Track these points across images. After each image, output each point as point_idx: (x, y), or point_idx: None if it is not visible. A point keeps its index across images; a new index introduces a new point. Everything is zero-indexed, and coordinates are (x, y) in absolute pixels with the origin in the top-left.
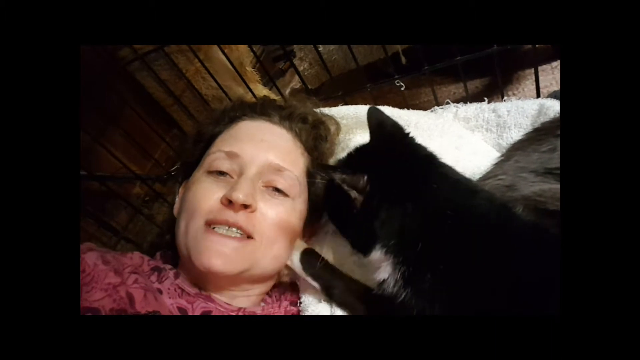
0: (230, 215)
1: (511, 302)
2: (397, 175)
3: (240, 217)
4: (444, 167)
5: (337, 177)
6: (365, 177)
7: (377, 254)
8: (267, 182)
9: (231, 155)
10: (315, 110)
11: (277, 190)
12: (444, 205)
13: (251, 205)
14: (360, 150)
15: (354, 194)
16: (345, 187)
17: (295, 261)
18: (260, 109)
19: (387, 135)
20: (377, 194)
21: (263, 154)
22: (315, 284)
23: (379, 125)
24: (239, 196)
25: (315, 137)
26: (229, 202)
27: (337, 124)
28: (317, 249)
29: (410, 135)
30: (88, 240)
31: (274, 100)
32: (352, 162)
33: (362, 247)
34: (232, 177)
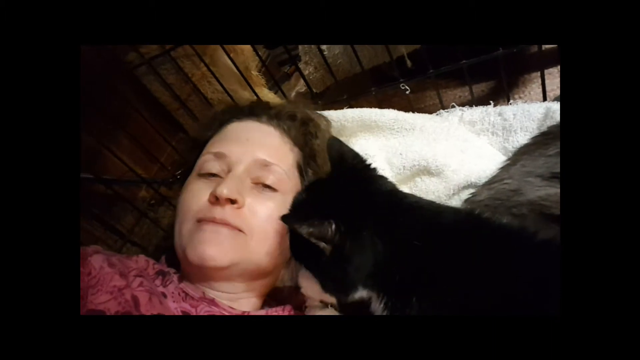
0: (217, 212)
1: (496, 300)
2: (364, 216)
3: (227, 213)
4: (407, 197)
5: (304, 231)
6: (333, 226)
7: (358, 294)
8: (256, 178)
9: (219, 156)
10: (304, 109)
11: (266, 186)
12: (413, 234)
13: (237, 201)
14: (322, 187)
15: (322, 245)
16: (314, 240)
17: (305, 283)
18: (249, 110)
19: (348, 169)
20: (346, 241)
21: (249, 151)
22: (332, 299)
23: (340, 159)
24: (224, 191)
25: (304, 134)
26: (216, 199)
27: (327, 121)
28: None
29: (372, 166)
30: (94, 243)
31: (263, 102)
32: (315, 203)
33: (340, 291)
34: (221, 177)
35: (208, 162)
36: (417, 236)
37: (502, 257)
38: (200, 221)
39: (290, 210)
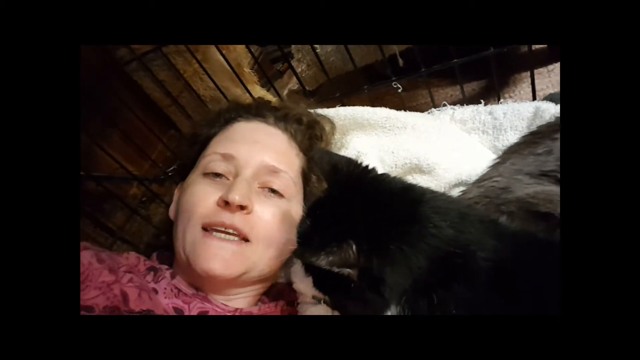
0: (226, 217)
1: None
2: (387, 226)
3: (236, 219)
4: (426, 194)
5: (324, 262)
6: (354, 247)
7: (390, 312)
8: (263, 183)
9: (226, 157)
10: (309, 110)
11: (272, 191)
12: (447, 244)
13: (247, 206)
14: (325, 206)
15: (346, 271)
16: (336, 269)
17: (297, 279)
18: (255, 110)
19: (346, 178)
20: (373, 258)
21: (258, 155)
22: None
23: (334, 169)
24: (235, 197)
25: (310, 137)
26: (225, 204)
27: (332, 123)
28: None
29: (371, 167)
30: (84, 240)
31: (269, 101)
32: (323, 226)
33: (372, 313)
34: (227, 179)
35: (214, 162)
36: (452, 245)
37: (531, 266)
38: (206, 228)
39: (298, 243)
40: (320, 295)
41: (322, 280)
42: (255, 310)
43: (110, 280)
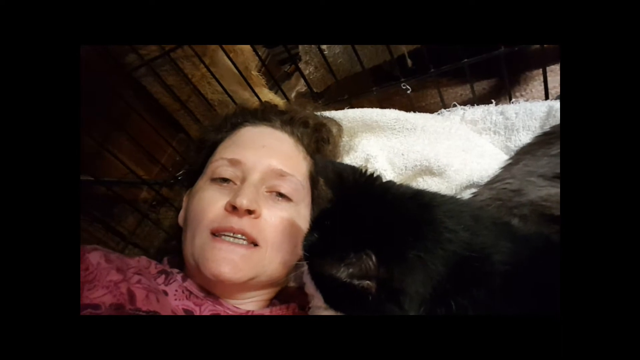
0: (235, 221)
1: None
2: (402, 233)
3: (245, 223)
4: (436, 198)
5: (344, 274)
6: (374, 257)
7: None
8: (270, 187)
9: (233, 163)
10: (316, 113)
11: (280, 195)
12: (463, 248)
13: (255, 211)
14: (333, 217)
15: (366, 283)
16: (357, 282)
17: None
18: (262, 115)
19: (352, 187)
20: (393, 268)
21: (265, 159)
22: None
23: (339, 178)
24: (243, 201)
25: (317, 140)
26: (233, 209)
27: (339, 125)
28: None
29: (377, 175)
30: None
31: (275, 105)
32: (334, 238)
33: None
34: (235, 184)
35: (221, 167)
36: (468, 246)
37: (544, 269)
38: (215, 232)
39: (306, 257)
40: None
41: (333, 295)
42: (267, 313)
43: (118, 279)
